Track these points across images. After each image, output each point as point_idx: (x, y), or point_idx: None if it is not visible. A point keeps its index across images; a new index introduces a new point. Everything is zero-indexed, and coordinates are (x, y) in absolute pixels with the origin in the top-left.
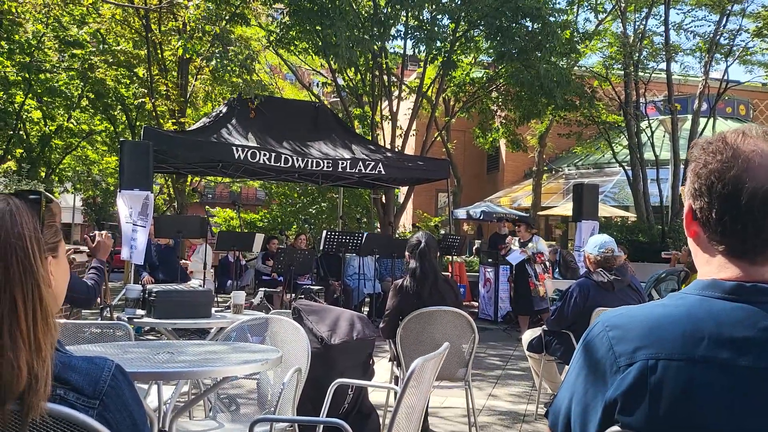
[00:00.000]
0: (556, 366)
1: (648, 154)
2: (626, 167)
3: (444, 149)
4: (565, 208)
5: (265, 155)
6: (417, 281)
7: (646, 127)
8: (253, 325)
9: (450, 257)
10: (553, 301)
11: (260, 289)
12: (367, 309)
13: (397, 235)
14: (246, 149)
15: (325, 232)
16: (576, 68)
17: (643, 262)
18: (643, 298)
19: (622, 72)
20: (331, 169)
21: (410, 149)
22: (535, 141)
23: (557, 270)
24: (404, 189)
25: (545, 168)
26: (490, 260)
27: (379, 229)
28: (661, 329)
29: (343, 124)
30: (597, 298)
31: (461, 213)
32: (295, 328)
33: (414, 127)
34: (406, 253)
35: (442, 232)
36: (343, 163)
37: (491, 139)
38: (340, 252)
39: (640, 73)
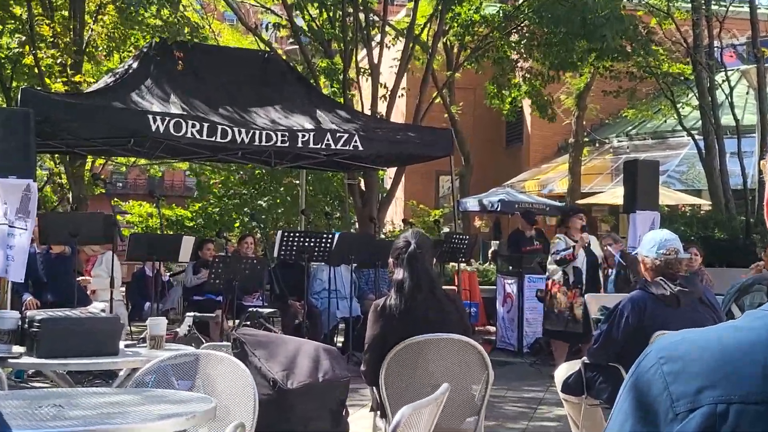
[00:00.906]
0: (602, 412)
1: (726, 119)
2: (697, 136)
3: (446, 115)
4: (614, 194)
5: (194, 126)
6: (405, 298)
7: (724, 81)
8: (178, 364)
9: (456, 265)
10: (596, 324)
11: (189, 314)
12: (341, 339)
13: (382, 236)
14: (168, 118)
15: (281, 233)
16: (626, 0)
17: (721, 266)
18: (719, 316)
19: (690, 5)
20: (287, 144)
21: (399, 116)
22: (571, 102)
23: (615, 278)
24: (391, 171)
25: (586, 139)
26: (511, 268)
27: (356, 228)
28: (736, 362)
29: (305, 82)
30: (656, 318)
31: (471, 203)
32: (236, 368)
33: (403, 84)
34: (390, 260)
35: (446, 230)
36: (304, 136)
37: (510, 100)
38: (302, 260)
39: (714, 7)
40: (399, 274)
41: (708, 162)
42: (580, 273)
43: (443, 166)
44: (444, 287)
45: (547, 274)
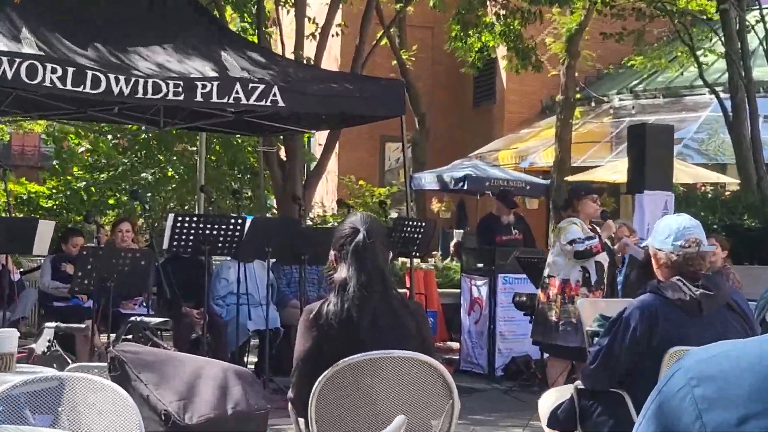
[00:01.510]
0: None
1: (760, 71)
2: (722, 94)
3: (394, 62)
4: (614, 168)
5: (54, 72)
6: (349, 304)
7: (758, 21)
8: (35, 392)
9: (407, 260)
10: (593, 339)
11: (48, 324)
12: (254, 359)
13: (309, 221)
14: (18, 61)
15: (172, 217)
16: None
17: (752, 263)
18: (752, 326)
19: None
20: (181, 97)
21: (332, 62)
22: (559, 47)
23: (624, 279)
24: (322, 136)
25: (578, 97)
26: (481, 265)
27: (275, 211)
28: None
29: (206, 14)
30: (672, 330)
31: (428, 180)
32: (115, 397)
33: (338, 20)
34: (332, 253)
35: (394, 214)
36: (204, 87)
37: (480, 45)
38: (200, 254)
39: None
40: (342, 271)
41: (736, 127)
42: (602, 270)
43: (391, 130)
44: (397, 291)
45: (547, 270)
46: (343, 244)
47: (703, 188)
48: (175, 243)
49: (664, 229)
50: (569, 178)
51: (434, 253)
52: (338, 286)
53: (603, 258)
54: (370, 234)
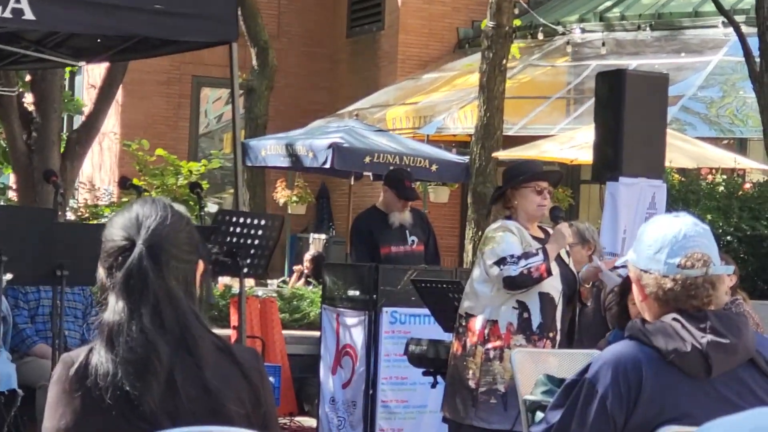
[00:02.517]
0: None
1: None
2: (745, 28)
3: None
4: (572, 140)
5: None
6: (124, 360)
7: None
8: None
9: (234, 282)
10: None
11: None
12: None
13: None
14: None
15: None
16: None
17: None
18: None
19: None
20: None
21: None
22: None
23: (594, 314)
24: (94, 72)
25: (517, 24)
26: (354, 293)
27: (13, 196)
28: None
29: None
30: (666, 400)
31: (270, 150)
32: None
33: None
34: (100, 271)
35: (212, 206)
36: None
37: None
38: None
39: None
40: (112, 306)
41: (764, 80)
42: (551, 308)
43: (210, 69)
44: (213, 333)
45: (464, 305)
46: (112, 264)
47: (710, 176)
48: None
49: (654, 239)
50: (501, 155)
51: (276, 276)
52: (107, 330)
53: (553, 287)
54: (159, 246)
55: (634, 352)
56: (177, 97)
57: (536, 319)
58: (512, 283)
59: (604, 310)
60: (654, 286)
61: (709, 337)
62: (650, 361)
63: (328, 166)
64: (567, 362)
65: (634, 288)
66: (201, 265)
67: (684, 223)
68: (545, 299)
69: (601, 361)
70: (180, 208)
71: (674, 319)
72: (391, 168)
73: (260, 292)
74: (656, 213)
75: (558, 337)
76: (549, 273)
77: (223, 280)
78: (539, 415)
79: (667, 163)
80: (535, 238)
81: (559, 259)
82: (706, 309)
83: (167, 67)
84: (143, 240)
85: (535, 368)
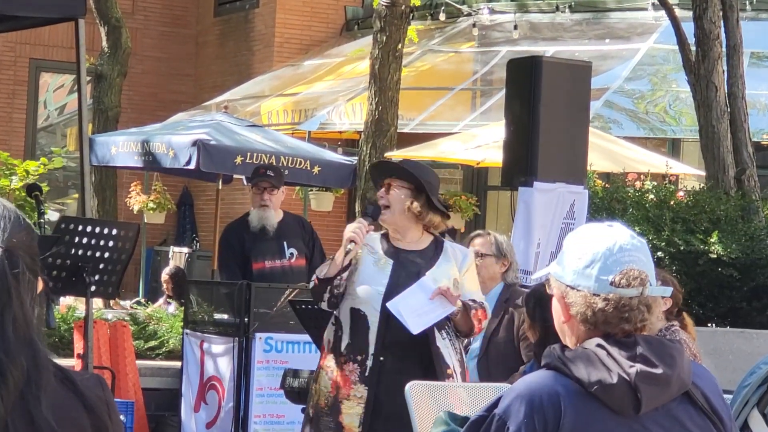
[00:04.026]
0: None
1: None
2: (679, 11)
3: None
4: (477, 138)
5: None
6: None
7: None
8: None
9: (80, 303)
10: None
11: None
12: None
13: None
14: None
15: None
16: None
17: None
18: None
19: None
20: None
21: None
22: None
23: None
24: None
25: (415, 2)
26: (222, 316)
27: None
28: None
29: None
30: None
31: (122, 148)
32: None
33: None
34: None
35: (54, 214)
36: None
37: None
38: None
39: None
40: None
41: (700, 71)
42: (364, 325)
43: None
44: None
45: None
46: None
47: (638, 183)
48: None
49: (584, 251)
50: (395, 155)
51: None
52: None
53: (369, 304)
54: (15, 252)
55: (552, 383)
56: (11, 83)
57: (345, 339)
58: (313, 296)
59: (517, 340)
60: (582, 305)
61: (639, 366)
62: (570, 394)
63: (191, 167)
64: (472, 397)
65: (556, 306)
66: (40, 283)
67: (619, 234)
68: (356, 317)
69: (513, 394)
70: (20, 213)
71: (598, 345)
72: (263, 170)
73: (110, 315)
74: (574, 224)
75: (369, 362)
76: (325, 282)
77: (66, 300)
78: None
79: (588, 167)
80: (398, 249)
81: (408, 272)
82: (636, 335)
83: (0, 47)
84: (2, 241)
85: (434, 404)
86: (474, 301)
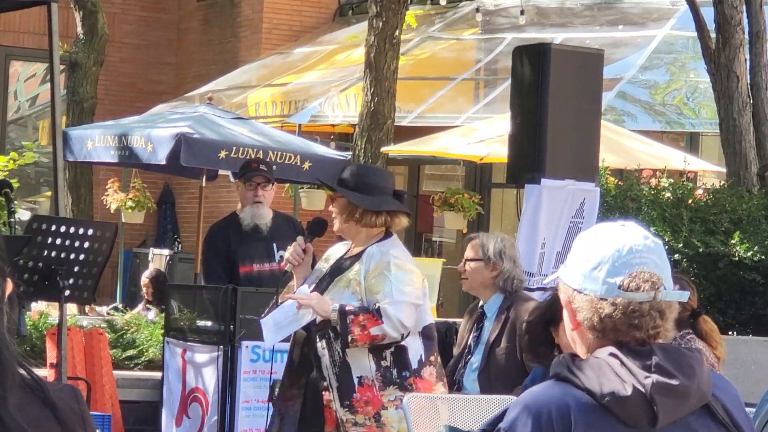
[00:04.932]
0: None
1: None
2: None
3: None
4: (481, 132)
5: None
6: None
7: None
8: None
9: (53, 308)
10: None
11: None
12: None
13: None
14: None
15: None
16: None
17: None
18: None
19: None
20: None
21: None
22: None
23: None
24: None
25: None
26: (206, 323)
27: None
28: None
29: None
30: None
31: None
32: None
33: None
34: None
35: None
36: None
37: None
38: None
39: None
40: None
41: (721, 60)
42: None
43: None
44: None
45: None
46: None
47: (654, 180)
48: None
49: (592, 252)
50: (392, 150)
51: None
52: None
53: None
54: None
55: (561, 395)
56: None
57: (412, 361)
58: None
59: (520, 351)
60: (588, 311)
61: (655, 377)
62: (581, 406)
63: (172, 162)
64: (474, 410)
65: (565, 314)
66: (9, 285)
67: (630, 234)
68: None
69: (520, 406)
70: None
71: (611, 354)
72: (251, 165)
73: (85, 321)
74: (583, 223)
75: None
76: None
77: (38, 306)
78: None
79: (600, 163)
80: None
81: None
82: (651, 343)
83: None
84: None
85: (434, 417)
86: (364, 307)
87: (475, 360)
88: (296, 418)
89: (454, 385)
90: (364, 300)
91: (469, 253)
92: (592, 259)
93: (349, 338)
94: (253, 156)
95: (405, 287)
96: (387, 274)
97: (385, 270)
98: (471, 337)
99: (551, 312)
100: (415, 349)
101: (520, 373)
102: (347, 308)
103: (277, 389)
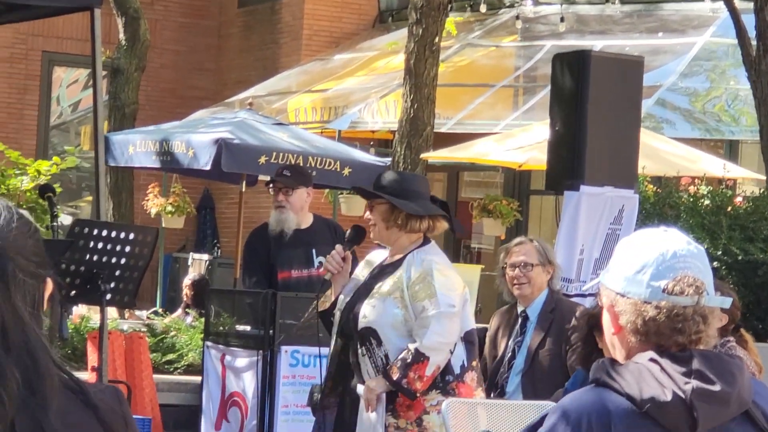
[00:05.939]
0: None
1: None
2: (738, 2)
3: None
4: (520, 139)
5: None
6: None
7: None
8: None
9: (95, 312)
10: None
11: None
12: None
13: None
14: None
15: None
16: None
17: None
18: None
19: None
20: None
21: None
22: None
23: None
24: None
25: None
26: (245, 328)
27: None
28: None
29: None
30: None
31: (140, 147)
32: None
33: None
34: None
35: (67, 218)
36: None
37: None
38: None
39: None
40: None
41: (761, 67)
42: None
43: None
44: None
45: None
46: None
47: (693, 187)
48: None
49: (635, 256)
50: (431, 156)
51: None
52: None
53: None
54: (2, 253)
55: (601, 400)
56: (22, 78)
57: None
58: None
59: (565, 352)
60: (631, 314)
61: (695, 383)
62: (620, 412)
63: (212, 167)
64: (513, 415)
65: (606, 317)
66: (50, 285)
67: (674, 239)
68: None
69: (559, 412)
70: (23, 213)
71: (651, 359)
72: (288, 170)
73: (125, 325)
74: (621, 230)
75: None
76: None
77: (80, 310)
78: None
79: (639, 170)
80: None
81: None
82: (692, 349)
83: (10, 39)
84: None
85: (472, 422)
86: (403, 358)
87: (519, 363)
88: (332, 426)
89: (497, 389)
90: (409, 307)
91: (526, 257)
92: (635, 262)
93: (419, 394)
94: (293, 161)
95: (449, 292)
96: (431, 281)
97: (429, 276)
98: (513, 341)
99: (597, 318)
100: (458, 354)
101: (564, 376)
102: (392, 373)
103: (315, 394)
